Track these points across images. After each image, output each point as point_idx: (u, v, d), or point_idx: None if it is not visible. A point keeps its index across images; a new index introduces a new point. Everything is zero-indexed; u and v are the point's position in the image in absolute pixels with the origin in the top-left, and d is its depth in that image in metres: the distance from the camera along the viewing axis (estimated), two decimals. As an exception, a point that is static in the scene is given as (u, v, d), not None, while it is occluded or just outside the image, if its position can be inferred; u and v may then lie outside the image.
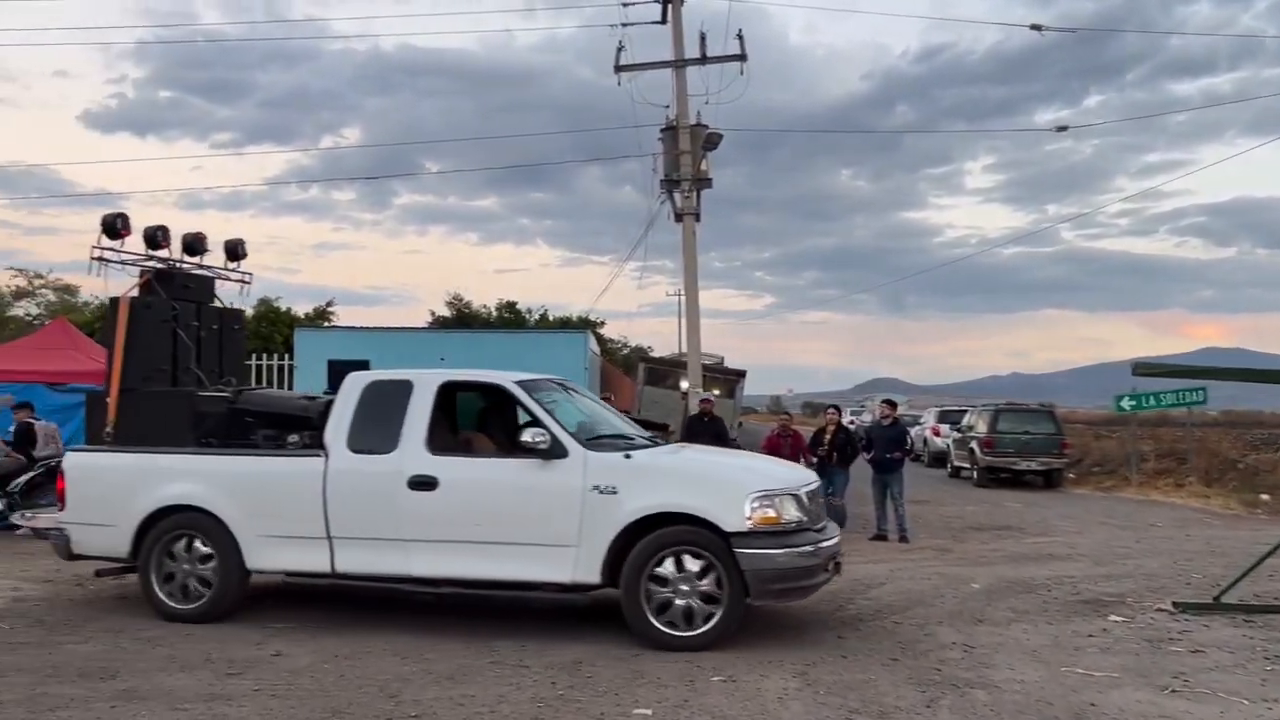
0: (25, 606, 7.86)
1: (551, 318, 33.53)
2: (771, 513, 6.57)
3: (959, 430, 24.35)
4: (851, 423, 38.49)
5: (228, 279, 9.71)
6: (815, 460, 12.50)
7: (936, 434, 27.49)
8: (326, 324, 27.69)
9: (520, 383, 7.39)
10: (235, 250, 9.64)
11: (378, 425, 7.14)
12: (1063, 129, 21.56)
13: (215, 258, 9.57)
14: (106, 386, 8.26)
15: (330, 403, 7.57)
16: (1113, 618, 7.72)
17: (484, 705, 5.38)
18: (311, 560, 7.13)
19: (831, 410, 13.77)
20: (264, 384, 17.54)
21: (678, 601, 6.56)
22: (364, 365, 9.15)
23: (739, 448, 13.04)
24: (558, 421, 7.00)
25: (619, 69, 16.51)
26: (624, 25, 16.54)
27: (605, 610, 7.60)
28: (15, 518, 8.34)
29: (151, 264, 8.89)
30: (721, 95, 16.31)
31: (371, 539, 7.00)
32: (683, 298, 19.03)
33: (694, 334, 16.50)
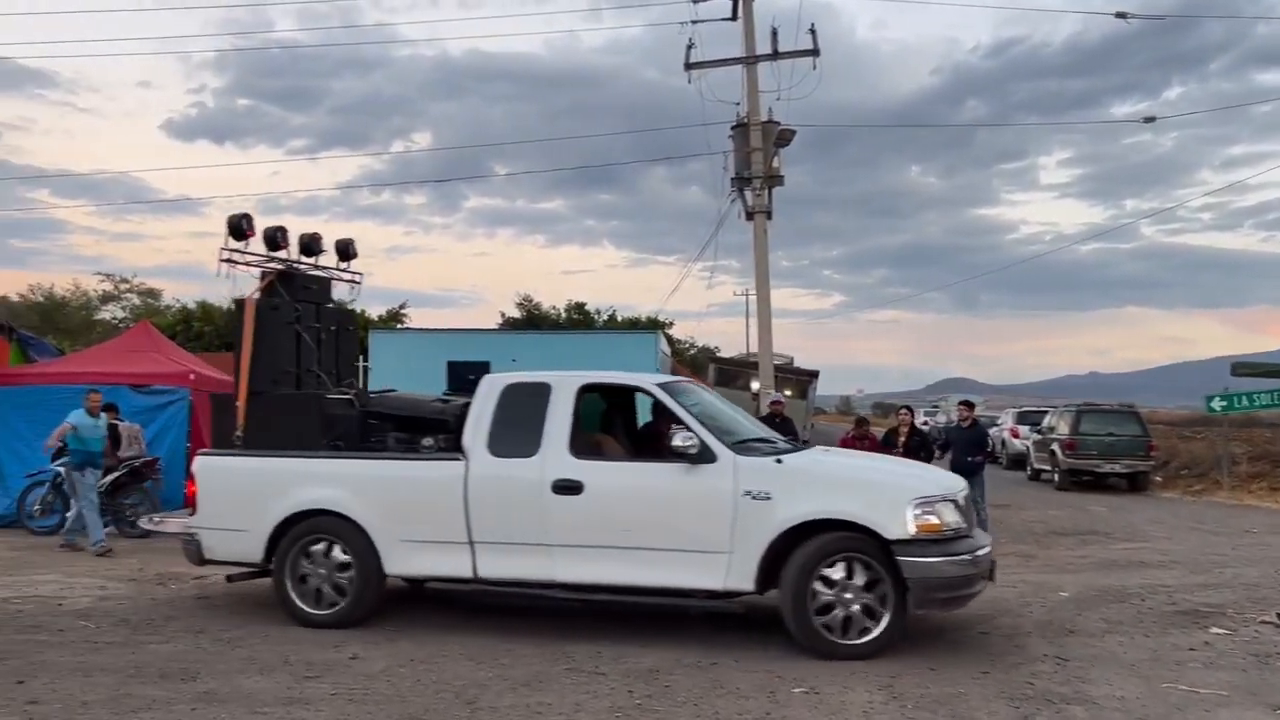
0: (110, 605, 7.99)
1: (620, 318, 33.49)
2: (934, 519, 6.39)
3: (1039, 432, 23.70)
4: (925, 424, 37.79)
5: (340, 279, 9.66)
6: None
7: (1015, 435, 26.82)
8: (400, 326, 28.04)
9: (662, 385, 7.32)
10: (346, 250, 9.55)
11: (518, 428, 7.02)
12: (1150, 120, 20.84)
13: (321, 258, 9.45)
14: (234, 389, 8.17)
15: (466, 406, 7.50)
16: (1214, 630, 7.34)
17: (561, 714, 5.28)
18: (452, 565, 7.03)
19: (904, 411, 13.40)
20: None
21: (839, 610, 6.41)
22: (484, 366, 9.09)
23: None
24: (705, 425, 6.87)
25: (689, 66, 16.35)
26: (694, 23, 16.39)
27: (673, 617, 7.48)
28: (143, 521, 8.32)
29: (274, 265, 8.79)
30: (793, 91, 16.07)
31: (515, 544, 6.88)
32: (752, 297, 18.79)
33: (765, 333, 16.27)
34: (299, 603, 7.23)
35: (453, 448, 7.30)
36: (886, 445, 12.53)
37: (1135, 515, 16.10)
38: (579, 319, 32.78)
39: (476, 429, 7.14)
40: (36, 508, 12.69)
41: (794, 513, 6.42)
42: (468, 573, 7.00)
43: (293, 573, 7.26)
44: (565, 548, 6.79)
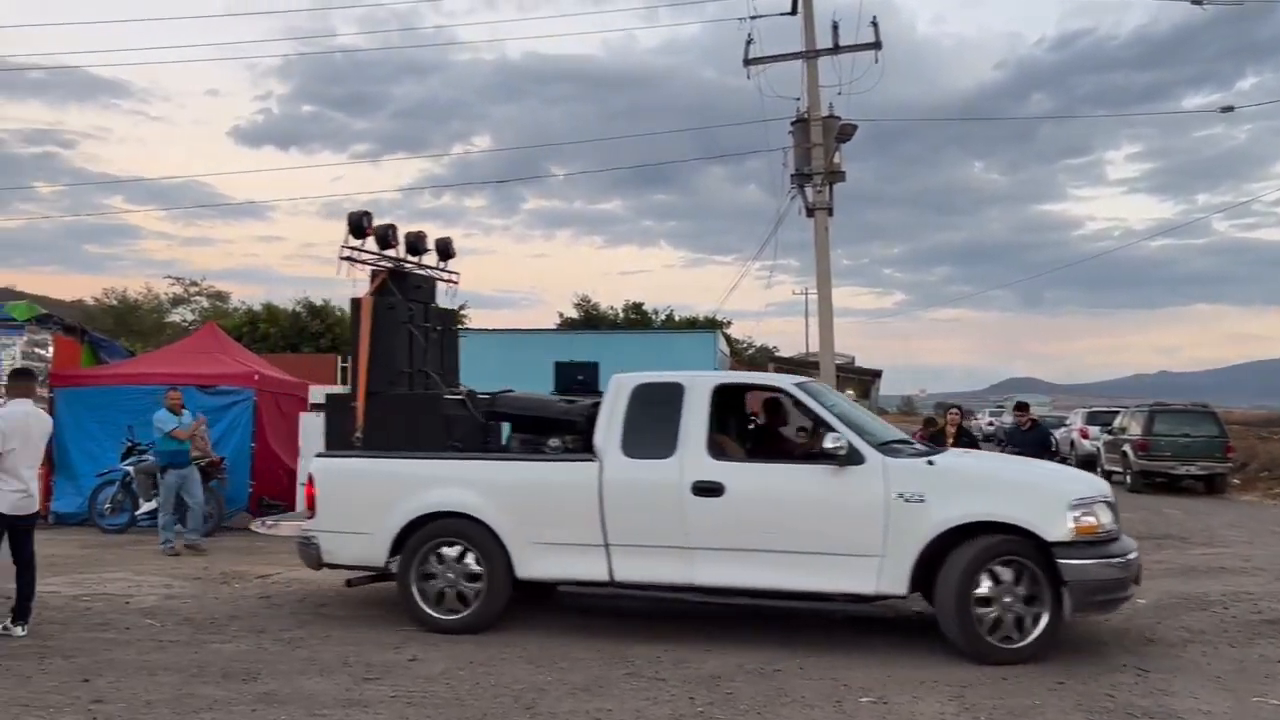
0: (175, 604, 8.08)
1: (678, 318, 33.36)
2: (1091, 521, 6.32)
3: (1109, 432, 23.05)
4: (990, 424, 37.07)
5: (441, 279, 9.55)
6: None
7: (1085, 436, 26.14)
8: (460, 326, 28.26)
9: (800, 385, 7.22)
10: (447, 249, 9.43)
11: (651, 429, 6.91)
12: (1228, 109, 20.13)
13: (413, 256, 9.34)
14: (352, 390, 7.99)
15: (592, 406, 7.44)
16: (1305, 641, 6.98)
17: (621, 720, 5.18)
18: (587, 568, 6.90)
19: (954, 411, 13.07)
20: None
21: (999, 614, 6.29)
22: (592, 367, 9.01)
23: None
24: (849, 426, 6.77)
25: (748, 62, 16.16)
26: (753, 18, 16.20)
27: (735, 619, 7.33)
28: (255, 524, 8.21)
29: (387, 263, 8.61)
30: (854, 86, 15.81)
31: (653, 547, 6.76)
32: (812, 295, 18.56)
33: (827, 331, 16.02)
34: (425, 607, 7.07)
35: (581, 449, 7.22)
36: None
37: (1213, 519, 15.53)
38: (636, 319, 32.72)
39: (609, 430, 7.01)
40: (107, 506, 12.94)
41: (951, 515, 6.32)
42: (603, 576, 6.86)
43: (418, 577, 7.10)
44: (705, 550, 6.67)
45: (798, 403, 7.14)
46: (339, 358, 18.44)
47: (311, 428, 13.56)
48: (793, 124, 16.21)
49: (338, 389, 14.31)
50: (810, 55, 15.87)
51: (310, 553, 7.44)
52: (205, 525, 12.69)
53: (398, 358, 8.19)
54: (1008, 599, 6.27)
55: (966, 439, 12.24)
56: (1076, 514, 6.28)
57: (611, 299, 35.34)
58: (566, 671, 6.06)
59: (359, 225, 8.17)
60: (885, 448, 6.76)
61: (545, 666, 6.18)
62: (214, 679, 5.81)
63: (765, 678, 5.95)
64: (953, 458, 7.22)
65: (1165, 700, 5.54)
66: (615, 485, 6.84)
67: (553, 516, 6.97)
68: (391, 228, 8.57)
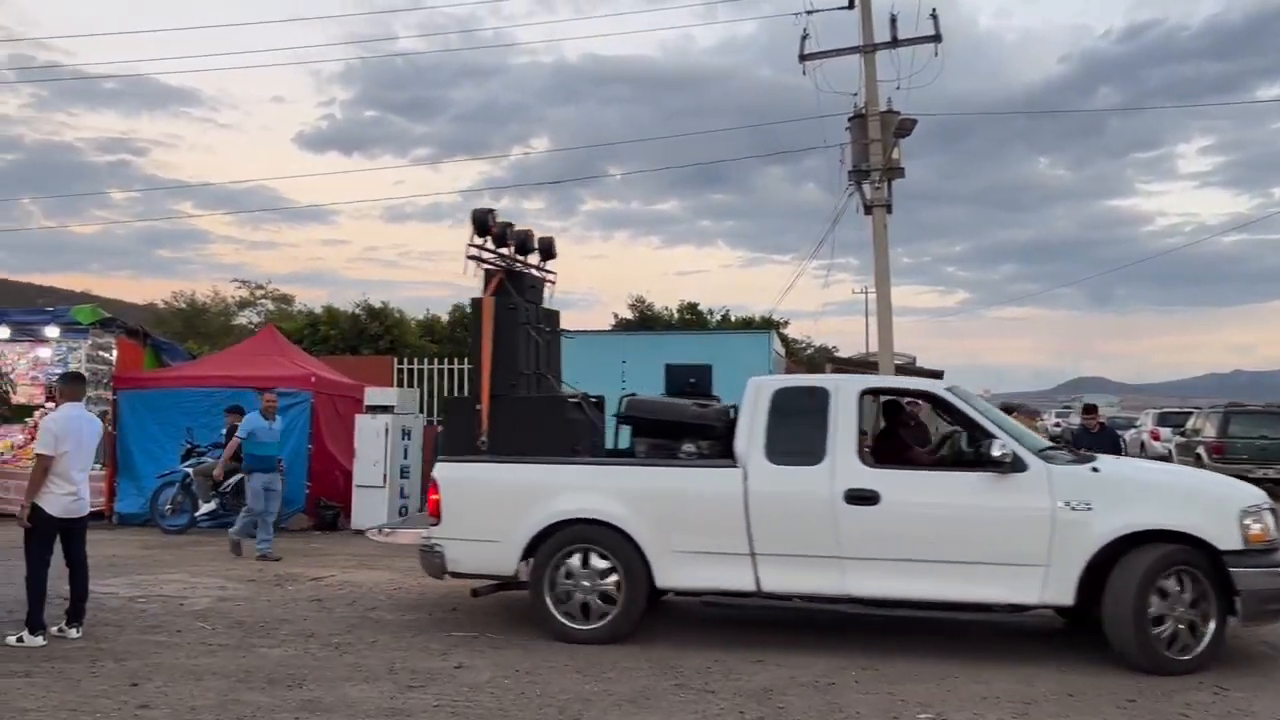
0: (228, 606, 8.10)
1: (733, 318, 33.08)
2: (1259, 529, 6.22)
3: (1182, 434, 22.30)
4: (1056, 425, 36.10)
5: (544, 280, 9.40)
6: None
7: (1156, 438, 25.32)
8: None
9: (949, 389, 7.08)
10: (549, 249, 9.26)
11: (797, 434, 6.76)
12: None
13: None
14: (474, 393, 7.76)
15: (727, 410, 7.29)
16: (1398, 659, 6.57)
17: (667, 735, 5.02)
18: (733, 578, 6.68)
19: (1018, 413, 12.67)
20: (455, 388, 17.93)
21: (1170, 624, 6.14)
22: (705, 370, 8.90)
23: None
24: (1007, 432, 6.64)
25: (804, 58, 15.87)
26: (808, 13, 15.90)
27: (786, 627, 7.13)
28: (370, 533, 7.77)
29: (505, 263, 8.42)
30: (913, 80, 15.43)
31: (802, 556, 6.57)
32: (871, 294, 18.21)
33: (886, 331, 15.67)
34: (560, 617, 6.86)
35: (718, 454, 7.08)
36: None
37: (1294, 525, 14.86)
38: (691, 319, 32.52)
39: (751, 435, 6.83)
40: (168, 507, 13.14)
41: (1120, 523, 6.19)
42: (750, 586, 6.66)
43: (551, 586, 6.89)
44: (859, 560, 6.50)
45: (949, 407, 6.99)
46: (394, 359, 18.53)
47: (367, 429, 13.66)
48: (850, 120, 15.88)
49: (391, 390, 14.40)
50: (868, 49, 15.53)
51: (434, 561, 7.18)
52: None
53: (519, 360, 7.97)
54: (1179, 609, 6.13)
55: None
56: (1248, 522, 6.15)
57: (667, 299, 35.17)
58: (614, 682, 5.92)
59: (484, 223, 7.94)
60: (1043, 454, 6.63)
61: (592, 676, 6.04)
62: (259, 684, 5.78)
63: (819, 691, 5.75)
64: (1115, 464, 7.06)
65: (1246, 722, 5.23)
66: (762, 493, 6.65)
67: (695, 524, 6.76)
68: (508, 226, 8.36)
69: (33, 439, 11.78)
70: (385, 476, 13.42)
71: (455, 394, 17.57)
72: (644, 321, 31.74)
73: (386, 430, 13.53)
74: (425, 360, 18.55)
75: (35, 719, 5.12)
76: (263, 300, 39.98)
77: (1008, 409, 11.91)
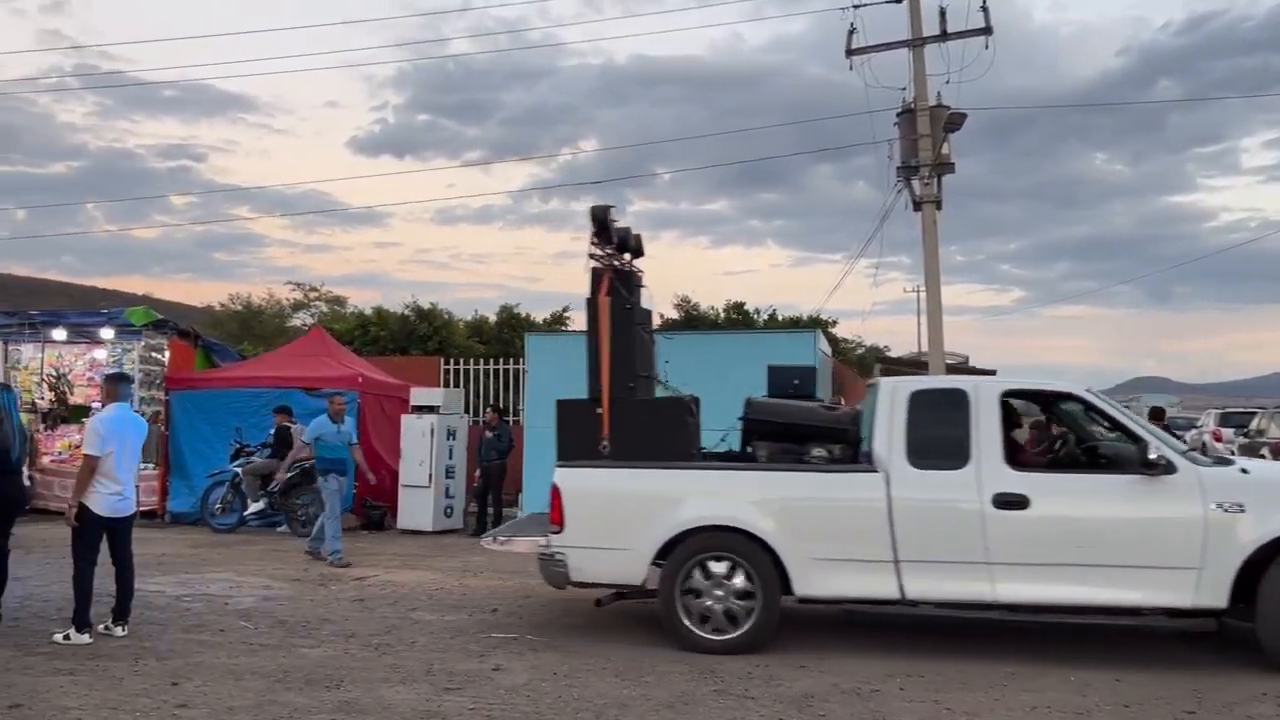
0: (271, 606, 8.15)
1: (781, 318, 32.76)
2: None
3: (1245, 435, 21.66)
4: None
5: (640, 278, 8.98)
6: None
7: (1218, 439, 24.59)
8: (561, 328, 28.34)
9: (1090, 391, 6.99)
10: (639, 247, 8.89)
11: (938, 438, 6.64)
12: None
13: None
14: (594, 395, 7.48)
15: (857, 413, 7.20)
16: None
17: (705, 742, 4.90)
18: (875, 586, 6.50)
19: None
20: (501, 389, 17.95)
21: None
22: (809, 372, 8.77)
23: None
24: (1153, 434, 6.57)
25: (851, 53, 15.64)
26: (856, 7, 15.67)
27: (830, 631, 6.98)
28: (486, 541, 7.54)
29: (614, 261, 8.04)
30: (963, 74, 15.13)
31: (948, 563, 6.44)
32: (923, 293, 17.88)
33: (936, 329, 15.38)
34: (691, 627, 6.66)
35: (850, 458, 6.98)
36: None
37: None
38: (737, 319, 32.23)
39: (889, 438, 6.70)
40: (217, 506, 13.32)
41: (1276, 525, 6.10)
42: (893, 594, 6.50)
43: (683, 595, 6.70)
44: (1007, 566, 6.37)
45: (1093, 409, 6.89)
46: (441, 360, 18.60)
47: (414, 429, 13.73)
48: (898, 115, 15.62)
49: (437, 391, 14.44)
50: (916, 43, 15.26)
51: (556, 570, 6.94)
52: (311, 526, 12.92)
53: (636, 361, 7.76)
54: None
55: None
56: None
57: (715, 299, 34.91)
58: (652, 686, 5.82)
59: (604, 220, 7.73)
60: (1189, 456, 6.55)
61: (631, 680, 5.95)
62: (297, 685, 5.77)
63: (862, 699, 5.59)
64: (1262, 466, 6.99)
65: (1313, 737, 4.99)
66: (906, 498, 6.51)
67: (836, 531, 6.58)
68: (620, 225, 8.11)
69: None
70: (431, 476, 13.47)
71: (500, 395, 17.61)
72: (689, 322, 31.57)
73: (432, 430, 13.58)
74: (471, 361, 18.60)
75: (77, 717, 5.15)
76: (316, 302, 40.48)
77: None
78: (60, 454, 14.70)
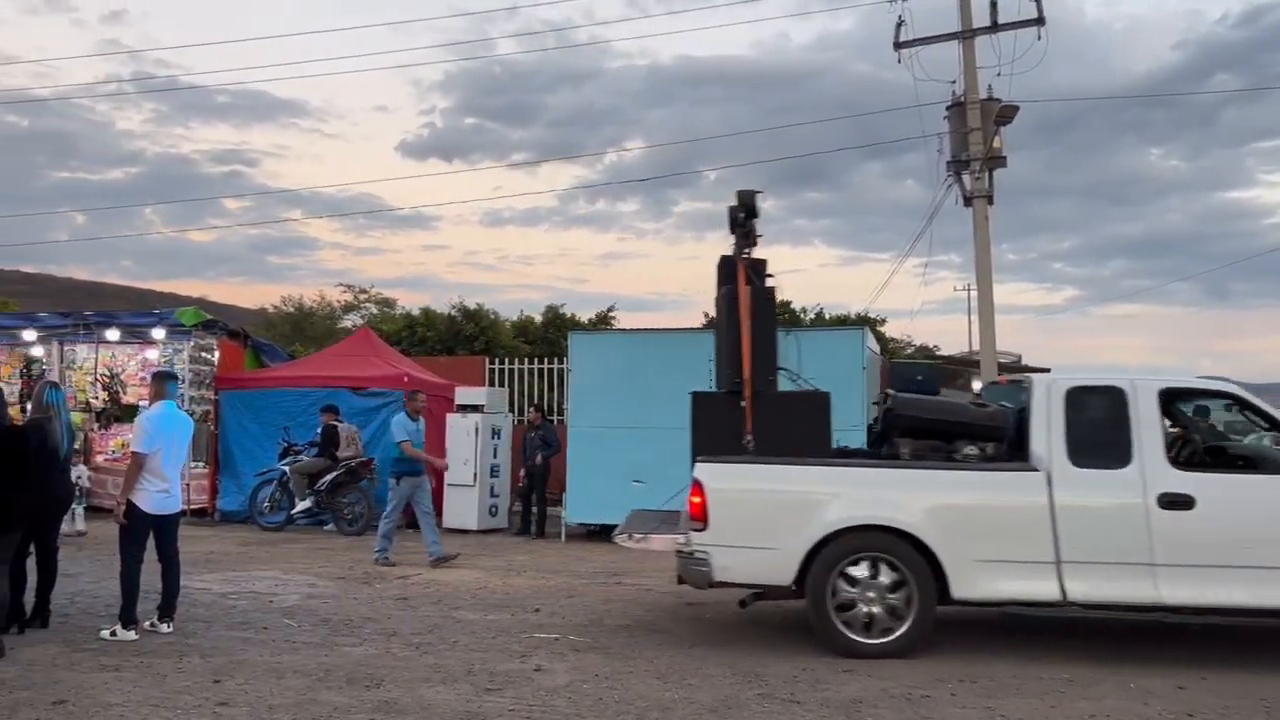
0: (315, 604, 8.16)
1: (828, 316, 32.45)
2: None
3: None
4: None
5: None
6: None
7: (1281, 440, 23.82)
8: (606, 327, 28.31)
9: (1242, 387, 6.91)
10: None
11: (1097, 436, 6.54)
12: None
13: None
14: (730, 388, 7.23)
15: (1010, 411, 7.10)
16: None
17: (749, 747, 4.78)
18: (1036, 588, 6.37)
19: None
20: (545, 388, 17.93)
21: None
22: (932, 369, 8.65)
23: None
24: None
25: (899, 45, 15.39)
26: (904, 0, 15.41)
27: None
28: (621, 538, 7.12)
29: (748, 248, 7.82)
30: (1014, 66, 14.81)
31: (1112, 564, 6.32)
32: (972, 291, 17.53)
33: (988, 327, 15.08)
34: (844, 630, 6.46)
35: (1004, 457, 6.86)
36: None
37: None
38: (784, 318, 32.02)
39: (1048, 437, 6.57)
40: (265, 505, 13.44)
41: None
42: (1055, 596, 6.36)
43: (834, 597, 6.49)
44: (1173, 567, 6.25)
45: (1249, 406, 6.77)
46: (485, 359, 18.63)
47: (459, 428, 13.75)
48: (948, 109, 15.34)
49: (481, 390, 14.44)
50: (966, 35, 14.97)
51: (699, 571, 6.67)
52: (356, 525, 13.00)
53: (774, 352, 7.50)
54: None
55: None
56: None
57: (762, 298, 34.62)
58: (695, 689, 5.70)
59: (752, 205, 7.50)
60: None
61: (674, 683, 5.84)
62: (338, 684, 5.74)
63: (911, 704, 5.43)
64: None
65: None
66: (1068, 498, 6.38)
67: (996, 532, 6.42)
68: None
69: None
70: (475, 475, 13.47)
71: (544, 394, 17.58)
72: (737, 320, 31.42)
73: (476, 429, 13.58)
74: (516, 360, 18.61)
75: (120, 713, 5.16)
76: (366, 304, 40.95)
77: None
78: (114, 452, 14.94)
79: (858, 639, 6.43)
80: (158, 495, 6.96)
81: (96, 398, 15.76)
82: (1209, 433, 7.55)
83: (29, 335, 15.48)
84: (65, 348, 15.90)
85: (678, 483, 12.02)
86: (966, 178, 14.87)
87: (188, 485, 13.20)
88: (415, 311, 31.86)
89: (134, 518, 6.92)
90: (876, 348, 15.09)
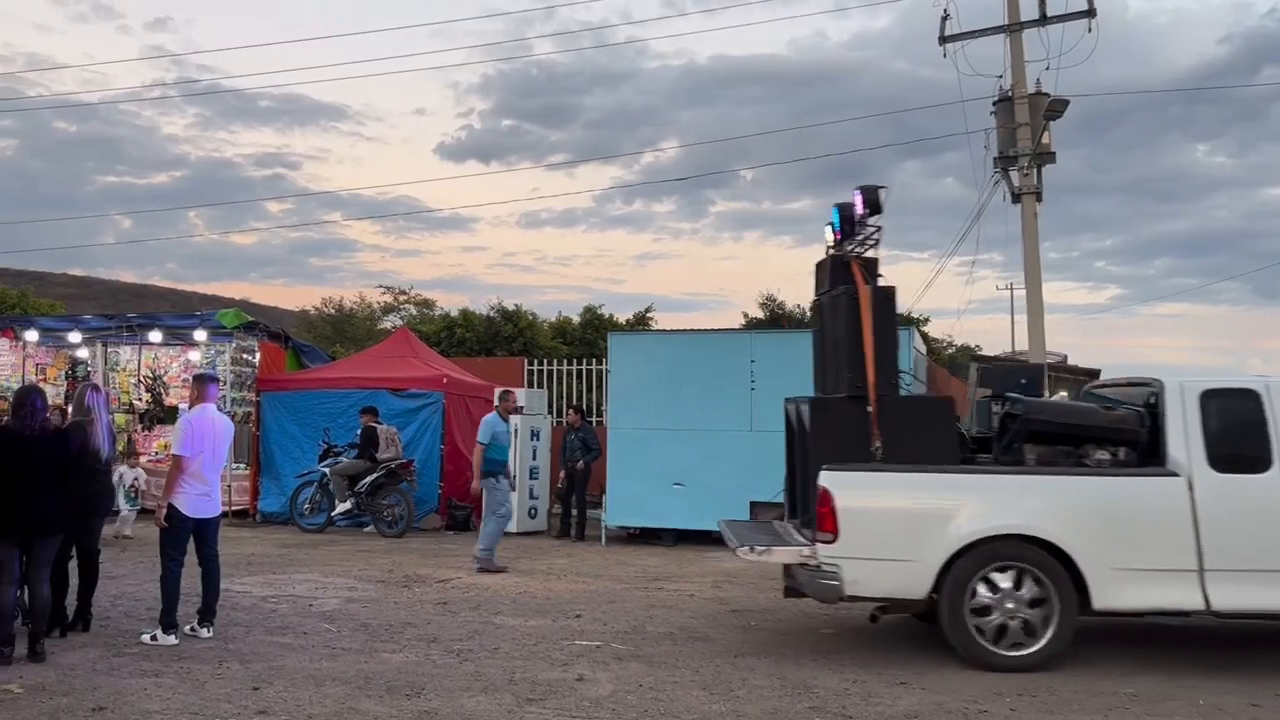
0: (355, 608, 8.08)
1: (871, 316, 32.12)
2: None
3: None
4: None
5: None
6: None
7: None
8: (644, 328, 28.19)
9: None
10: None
11: (1236, 440, 6.39)
12: None
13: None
14: (851, 393, 6.91)
15: (1141, 414, 6.91)
16: None
17: (801, 765, 4.60)
18: (1179, 597, 6.18)
19: None
20: (584, 389, 17.82)
21: None
22: (1037, 370, 8.43)
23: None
24: None
25: (944, 40, 15.09)
26: (949, -7, 15.10)
27: (934, 645, 6.59)
28: (742, 551, 6.74)
29: (863, 249, 7.53)
30: (1062, 60, 14.46)
31: (1256, 571, 6.17)
32: (1017, 290, 17.12)
33: (1037, 326, 14.73)
34: (983, 643, 6.23)
35: (1134, 462, 6.68)
36: None
37: None
38: (828, 318, 31.77)
39: (1186, 441, 6.39)
40: (306, 506, 13.43)
41: None
42: (1198, 605, 6.18)
43: (971, 608, 6.29)
44: None
45: None
46: (524, 360, 18.57)
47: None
48: (995, 103, 15.00)
49: (519, 391, 14.34)
50: (1014, 28, 14.64)
51: (827, 585, 6.39)
52: (397, 527, 12.95)
53: (894, 355, 7.24)
54: None
55: None
56: None
57: (800, 298, 34.40)
58: (742, 701, 5.53)
59: (877, 201, 7.27)
60: None
61: (720, 694, 5.67)
62: (378, 692, 5.63)
63: (968, 719, 5.22)
64: None
65: None
66: (1211, 503, 6.20)
67: (1137, 539, 6.25)
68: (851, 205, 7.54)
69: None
70: (514, 477, 13.35)
71: (583, 395, 17.47)
72: (774, 320, 31.17)
73: (515, 431, 13.46)
74: (555, 361, 18.52)
75: (158, 721, 5.09)
76: (406, 305, 41.19)
77: None
78: (157, 454, 15.04)
79: (997, 651, 6.20)
80: (197, 498, 6.92)
81: (140, 399, 15.88)
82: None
83: (74, 337, 15.63)
84: (109, 349, 16.06)
85: (718, 486, 11.93)
86: (1014, 174, 14.54)
87: (229, 487, 13.25)
88: (454, 313, 31.99)
89: (174, 520, 6.88)
90: (924, 348, 14.80)
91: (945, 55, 15.16)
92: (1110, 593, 6.13)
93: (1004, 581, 6.23)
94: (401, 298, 41.34)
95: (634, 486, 12.45)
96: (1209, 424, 6.35)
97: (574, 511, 13.38)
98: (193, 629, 6.92)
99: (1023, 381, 8.03)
